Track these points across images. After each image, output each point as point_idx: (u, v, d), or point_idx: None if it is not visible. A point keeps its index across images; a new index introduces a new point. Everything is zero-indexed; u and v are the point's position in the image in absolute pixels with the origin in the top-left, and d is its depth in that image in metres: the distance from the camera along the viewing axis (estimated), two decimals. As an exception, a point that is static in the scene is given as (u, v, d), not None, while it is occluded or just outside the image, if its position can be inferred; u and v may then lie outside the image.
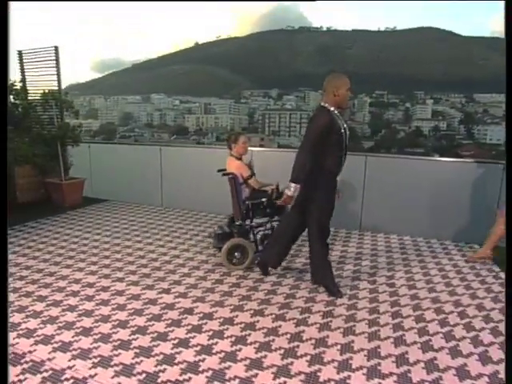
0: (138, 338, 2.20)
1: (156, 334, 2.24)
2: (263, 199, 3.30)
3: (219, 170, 3.52)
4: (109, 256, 3.54)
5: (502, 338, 2.27)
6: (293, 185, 2.64)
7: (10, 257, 3.48)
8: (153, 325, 2.34)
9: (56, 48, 5.41)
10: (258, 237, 3.42)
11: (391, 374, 1.92)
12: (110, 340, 2.17)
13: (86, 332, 2.25)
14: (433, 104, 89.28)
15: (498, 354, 2.09)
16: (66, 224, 4.56)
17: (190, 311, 2.53)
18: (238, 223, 3.41)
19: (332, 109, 2.66)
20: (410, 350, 2.13)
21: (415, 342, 2.22)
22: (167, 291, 2.82)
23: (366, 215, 4.45)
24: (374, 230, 4.41)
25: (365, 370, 1.94)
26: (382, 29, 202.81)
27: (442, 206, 4.16)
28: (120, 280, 3.00)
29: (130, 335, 2.22)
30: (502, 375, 1.93)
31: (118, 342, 2.15)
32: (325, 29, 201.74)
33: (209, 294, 2.79)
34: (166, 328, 2.31)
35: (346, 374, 1.92)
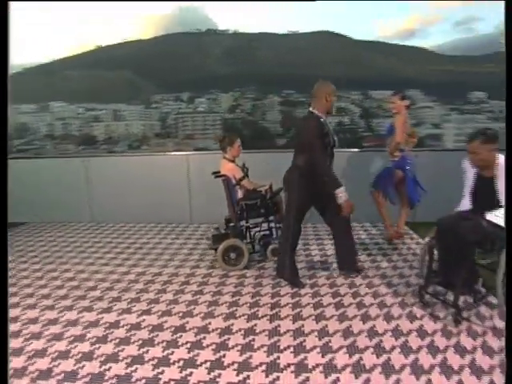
0: (111, 366, 2.04)
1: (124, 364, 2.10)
2: (257, 200, 3.31)
3: (213, 173, 3.48)
4: (46, 285, 3.18)
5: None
6: (340, 189, 2.66)
7: None
8: (123, 349, 2.19)
9: None
10: (258, 236, 3.51)
11: (366, 347, 2.09)
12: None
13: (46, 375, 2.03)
14: (335, 101, 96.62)
15: (416, 342, 2.21)
16: None
17: (155, 327, 2.43)
18: (232, 224, 3.39)
19: (320, 114, 2.81)
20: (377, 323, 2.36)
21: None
22: (128, 311, 2.65)
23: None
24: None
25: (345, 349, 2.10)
26: (286, 32, 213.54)
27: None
28: (69, 308, 2.73)
29: (100, 366, 2.05)
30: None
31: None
32: (231, 31, 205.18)
33: (174, 306, 2.70)
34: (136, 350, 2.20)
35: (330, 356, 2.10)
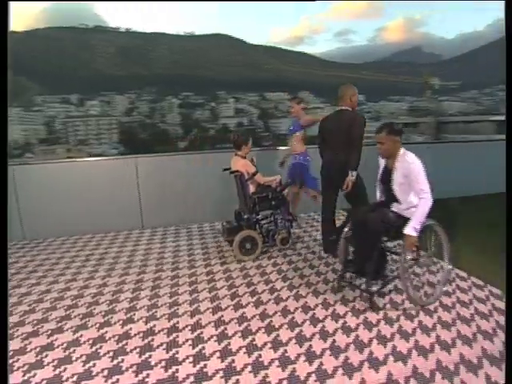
0: None
1: None
2: (268, 193, 3.59)
3: (225, 169, 3.64)
4: None
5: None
6: (355, 172, 3.09)
7: None
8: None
9: None
10: (268, 227, 3.74)
11: (212, 336, 2.27)
12: None
13: None
14: (234, 102, 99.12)
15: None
16: None
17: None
18: (245, 217, 3.58)
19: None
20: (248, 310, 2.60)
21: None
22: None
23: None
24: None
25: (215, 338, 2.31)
26: (182, 33, 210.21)
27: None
28: None
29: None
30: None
31: None
32: (123, 30, 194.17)
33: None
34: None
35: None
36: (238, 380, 1.84)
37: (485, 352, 2.01)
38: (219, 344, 2.14)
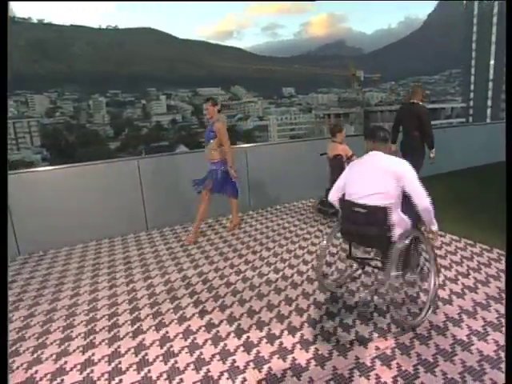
0: None
1: None
2: None
3: (322, 154, 4.26)
4: None
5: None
6: (434, 150, 4.18)
7: None
8: None
9: None
10: None
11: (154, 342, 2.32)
12: None
13: None
14: (166, 99, 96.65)
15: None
16: None
17: None
18: None
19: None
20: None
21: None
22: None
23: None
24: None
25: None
26: (103, 26, 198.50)
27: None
28: None
29: None
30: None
31: None
32: (35, 21, 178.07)
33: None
34: None
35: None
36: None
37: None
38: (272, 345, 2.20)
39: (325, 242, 2.55)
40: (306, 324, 2.22)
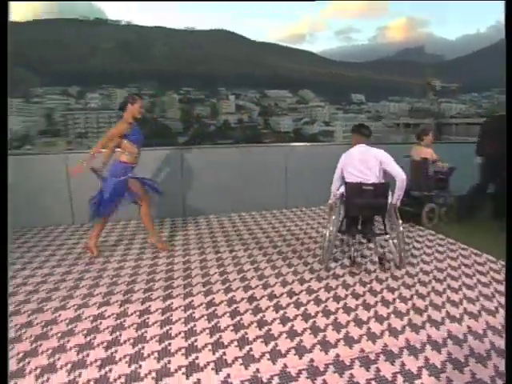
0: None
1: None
2: (445, 175, 4.63)
3: (405, 156, 4.59)
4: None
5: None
6: None
7: None
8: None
9: None
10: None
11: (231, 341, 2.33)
12: None
13: None
14: (235, 99, 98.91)
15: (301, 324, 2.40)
16: None
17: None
18: (427, 193, 4.56)
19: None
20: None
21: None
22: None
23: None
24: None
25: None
26: (183, 28, 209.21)
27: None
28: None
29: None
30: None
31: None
32: (124, 23, 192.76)
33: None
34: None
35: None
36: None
37: None
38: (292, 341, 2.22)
39: (333, 228, 3.14)
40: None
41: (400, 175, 3.09)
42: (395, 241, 3.26)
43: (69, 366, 1.95)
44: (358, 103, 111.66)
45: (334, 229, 3.12)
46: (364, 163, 3.11)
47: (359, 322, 2.34)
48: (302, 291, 2.80)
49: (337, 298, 2.64)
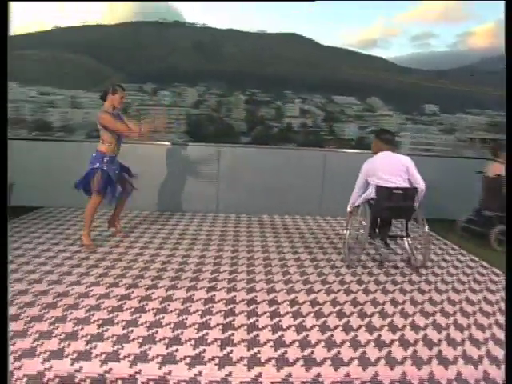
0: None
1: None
2: None
3: (478, 172, 4.35)
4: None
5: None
6: None
7: None
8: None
9: None
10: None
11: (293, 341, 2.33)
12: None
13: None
14: (300, 103, 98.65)
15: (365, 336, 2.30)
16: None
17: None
18: (499, 214, 4.15)
19: None
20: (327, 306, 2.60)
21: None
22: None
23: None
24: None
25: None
26: (255, 30, 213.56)
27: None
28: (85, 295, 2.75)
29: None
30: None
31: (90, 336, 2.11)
32: (199, 25, 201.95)
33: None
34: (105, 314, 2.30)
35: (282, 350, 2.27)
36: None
37: None
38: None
39: (363, 231, 3.37)
40: None
41: (421, 185, 3.24)
42: (410, 242, 3.52)
43: (140, 339, 2.08)
44: (430, 114, 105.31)
45: (365, 232, 3.32)
46: (392, 169, 3.25)
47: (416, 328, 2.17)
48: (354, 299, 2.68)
49: (394, 303, 2.49)
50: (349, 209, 3.51)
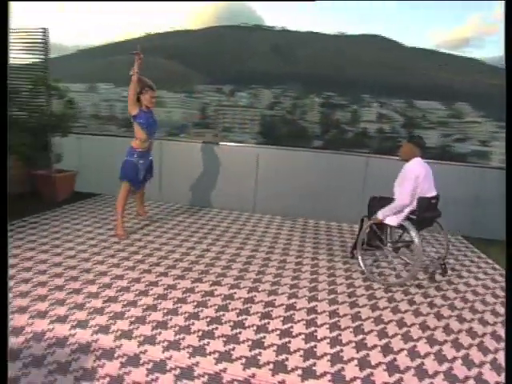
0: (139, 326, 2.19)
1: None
2: None
3: None
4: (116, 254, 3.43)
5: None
6: None
7: (16, 251, 3.31)
8: (171, 319, 2.34)
9: (44, 30, 4.89)
10: None
11: (375, 345, 2.14)
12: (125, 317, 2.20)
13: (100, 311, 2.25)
14: (378, 107, 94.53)
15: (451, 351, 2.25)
16: (64, 219, 4.31)
17: (182, 300, 2.57)
18: None
19: None
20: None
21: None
22: (182, 277, 2.83)
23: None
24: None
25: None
26: (333, 33, 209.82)
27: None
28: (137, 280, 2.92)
29: (142, 312, 2.20)
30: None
31: (133, 318, 2.21)
32: (279, 28, 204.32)
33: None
34: (171, 305, 2.32)
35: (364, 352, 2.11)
36: None
37: None
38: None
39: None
40: None
41: (399, 197, 3.17)
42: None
43: (200, 332, 2.07)
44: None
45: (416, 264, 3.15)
46: (429, 177, 3.21)
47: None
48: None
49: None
50: (381, 217, 3.13)
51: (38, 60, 4.90)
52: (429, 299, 2.95)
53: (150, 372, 1.82)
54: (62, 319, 2.27)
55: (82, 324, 2.20)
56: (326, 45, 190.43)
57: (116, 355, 1.97)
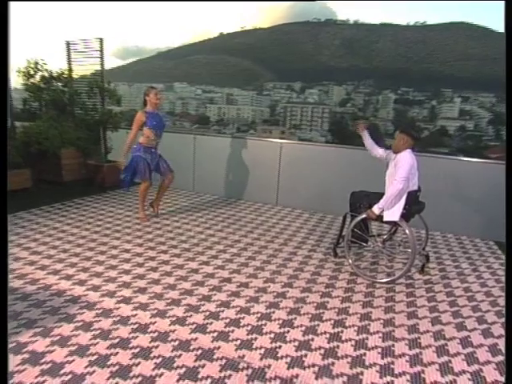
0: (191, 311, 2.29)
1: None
2: None
3: None
4: (151, 232, 3.71)
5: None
6: None
7: (65, 228, 3.73)
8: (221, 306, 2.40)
9: (101, 40, 5.62)
10: None
11: (430, 345, 2.16)
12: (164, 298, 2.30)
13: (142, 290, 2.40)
14: (461, 103, 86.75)
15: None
16: (109, 202, 4.86)
17: (243, 286, 2.59)
18: None
19: None
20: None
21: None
22: (207, 263, 2.93)
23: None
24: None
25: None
26: (411, 23, 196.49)
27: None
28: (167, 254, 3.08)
29: (179, 295, 2.29)
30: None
31: (170, 300, 2.44)
32: (351, 22, 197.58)
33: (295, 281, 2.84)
34: (225, 297, 2.38)
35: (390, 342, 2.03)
36: None
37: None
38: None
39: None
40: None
41: (396, 180, 3.04)
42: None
43: (272, 334, 2.10)
44: None
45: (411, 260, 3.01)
46: (416, 170, 3.13)
47: None
48: None
49: None
50: (377, 211, 3.00)
51: (95, 65, 5.54)
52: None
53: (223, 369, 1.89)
54: (161, 314, 2.43)
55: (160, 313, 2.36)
56: (403, 36, 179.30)
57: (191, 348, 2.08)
